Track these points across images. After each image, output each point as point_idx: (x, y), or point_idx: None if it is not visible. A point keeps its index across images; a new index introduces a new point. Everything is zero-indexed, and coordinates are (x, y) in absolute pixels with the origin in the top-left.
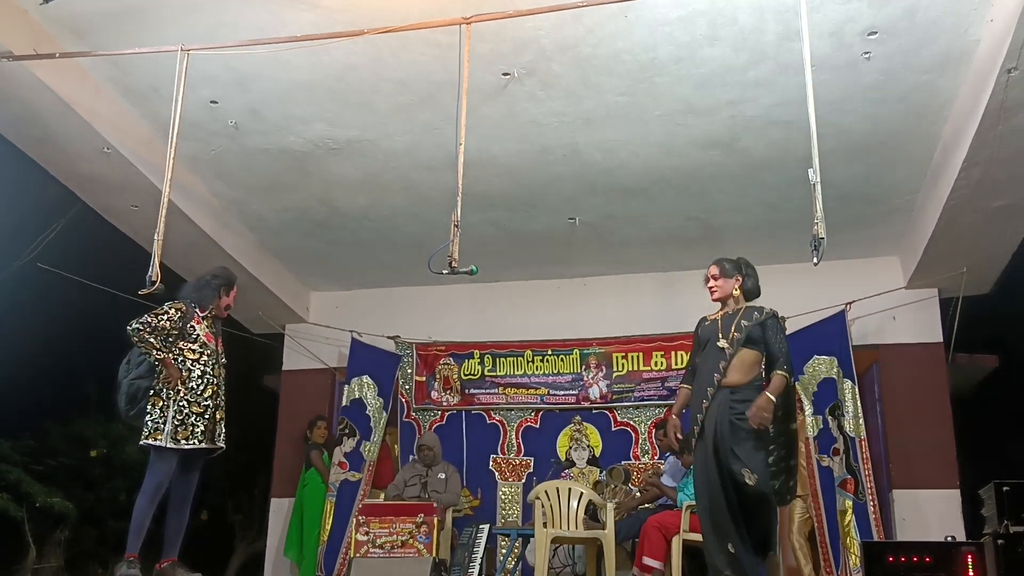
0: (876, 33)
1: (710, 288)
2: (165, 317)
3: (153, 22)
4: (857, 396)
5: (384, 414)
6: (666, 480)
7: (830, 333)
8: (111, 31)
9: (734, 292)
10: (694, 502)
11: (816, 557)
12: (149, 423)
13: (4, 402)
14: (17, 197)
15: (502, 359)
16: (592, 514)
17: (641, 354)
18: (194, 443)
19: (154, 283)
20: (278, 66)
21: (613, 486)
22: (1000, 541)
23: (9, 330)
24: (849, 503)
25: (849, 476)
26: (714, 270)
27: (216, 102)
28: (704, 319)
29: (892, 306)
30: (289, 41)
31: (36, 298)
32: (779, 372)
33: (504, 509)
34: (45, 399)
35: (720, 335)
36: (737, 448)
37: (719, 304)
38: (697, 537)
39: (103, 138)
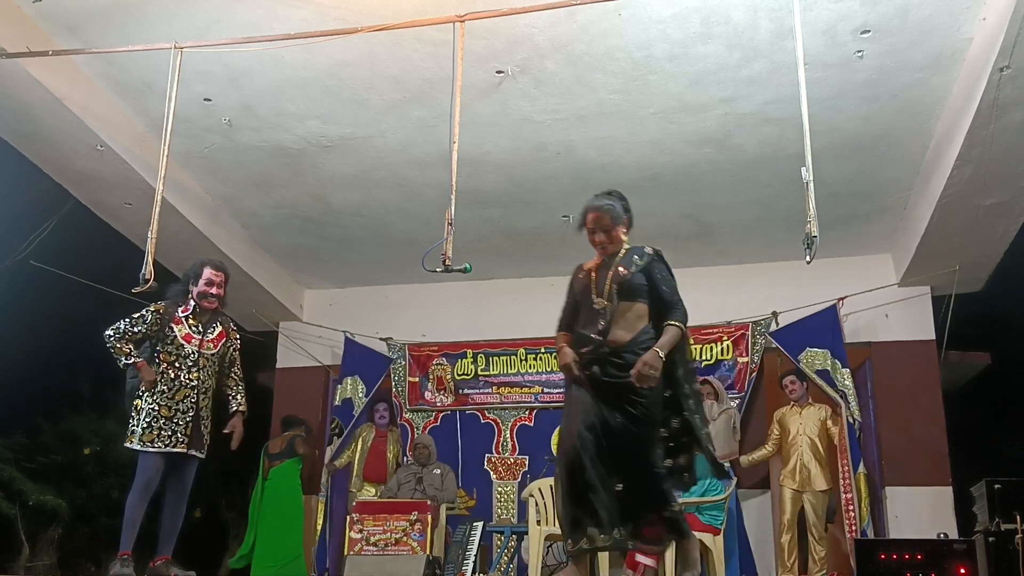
0: (869, 31)
1: (599, 243)
2: (140, 320)
3: (147, 18)
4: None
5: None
6: None
7: (822, 326)
8: (104, 27)
9: (624, 238)
10: (693, 499)
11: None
12: (129, 425)
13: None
14: (10, 194)
15: (495, 358)
16: None
17: None
18: (160, 446)
19: (147, 281)
20: (271, 63)
21: None
22: (991, 539)
23: (1, 328)
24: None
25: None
26: (603, 219)
27: (209, 99)
28: (579, 269)
29: (884, 303)
30: (282, 38)
31: (29, 295)
32: (672, 323)
33: (500, 508)
34: (37, 396)
35: (594, 292)
36: (622, 416)
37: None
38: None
39: (96, 135)
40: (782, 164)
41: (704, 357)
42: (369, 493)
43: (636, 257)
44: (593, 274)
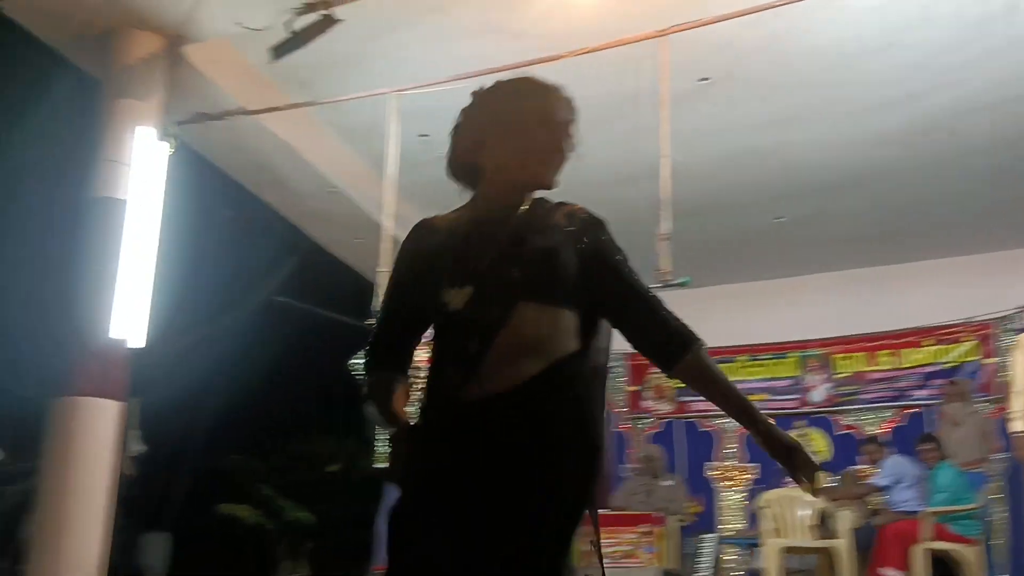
0: None
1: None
2: None
3: (367, 66)
4: None
5: None
6: (877, 479)
7: None
8: (330, 79)
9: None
10: (941, 508)
11: None
12: (379, 448)
13: (255, 424)
14: (253, 237)
15: None
16: (824, 522)
17: (864, 354)
18: None
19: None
20: None
21: None
22: None
23: (254, 359)
24: None
25: None
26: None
27: (426, 135)
28: (421, 227)
29: None
30: (488, 72)
31: (274, 329)
32: (696, 350)
33: (725, 517)
34: (287, 420)
35: (447, 278)
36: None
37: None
38: (943, 546)
39: (326, 178)
40: (1019, 145)
41: (944, 360)
42: None
43: (562, 217)
44: (464, 234)
